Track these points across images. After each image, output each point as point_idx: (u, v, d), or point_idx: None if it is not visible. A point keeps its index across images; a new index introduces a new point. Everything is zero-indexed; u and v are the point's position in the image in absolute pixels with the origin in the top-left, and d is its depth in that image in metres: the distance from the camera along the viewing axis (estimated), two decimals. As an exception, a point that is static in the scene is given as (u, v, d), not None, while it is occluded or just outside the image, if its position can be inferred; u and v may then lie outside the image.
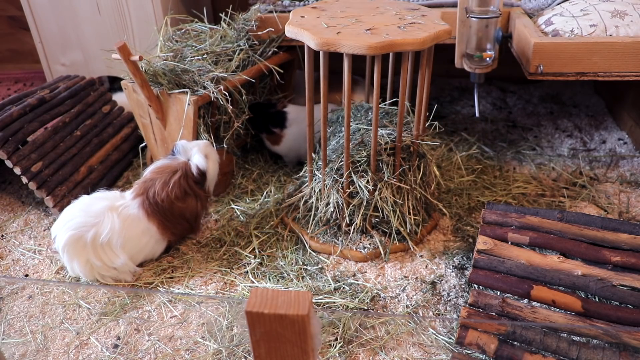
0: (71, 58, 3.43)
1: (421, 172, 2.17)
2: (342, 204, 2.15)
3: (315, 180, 2.22)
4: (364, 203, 2.13)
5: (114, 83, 3.39)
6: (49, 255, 2.30)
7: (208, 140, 2.44)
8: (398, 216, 2.14)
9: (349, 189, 2.12)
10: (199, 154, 2.20)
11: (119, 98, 3.04)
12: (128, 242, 2.08)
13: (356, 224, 2.17)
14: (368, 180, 2.08)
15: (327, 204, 2.18)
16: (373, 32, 1.87)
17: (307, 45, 1.93)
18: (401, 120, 1.98)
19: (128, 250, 2.09)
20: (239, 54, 2.58)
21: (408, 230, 2.17)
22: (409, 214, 2.17)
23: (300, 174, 2.42)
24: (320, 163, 2.17)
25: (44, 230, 2.46)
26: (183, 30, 2.74)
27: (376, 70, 1.87)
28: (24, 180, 2.39)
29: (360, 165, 2.09)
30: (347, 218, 2.17)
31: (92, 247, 2.03)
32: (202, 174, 2.19)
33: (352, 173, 2.09)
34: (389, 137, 2.06)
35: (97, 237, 2.03)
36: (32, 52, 3.82)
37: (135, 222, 2.10)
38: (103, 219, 2.04)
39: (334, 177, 2.14)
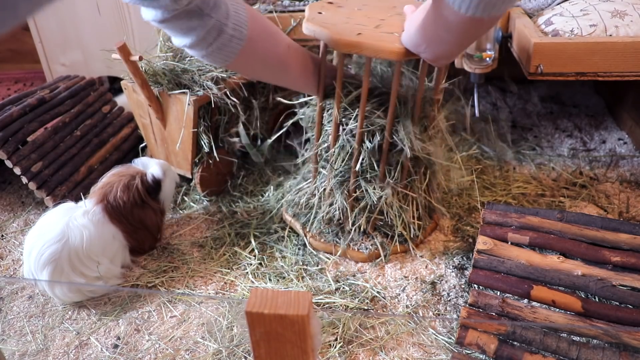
0: (71, 58, 3.43)
1: (427, 179, 2.16)
2: (347, 208, 2.13)
3: (319, 178, 2.21)
4: (369, 207, 2.12)
5: (114, 83, 3.40)
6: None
7: (208, 141, 2.45)
8: (403, 221, 2.14)
9: (355, 193, 2.11)
10: (157, 166, 2.22)
11: (118, 100, 3.05)
12: (106, 246, 2.06)
13: (359, 225, 2.16)
14: (375, 186, 2.05)
15: (331, 204, 2.17)
16: (396, 36, 1.79)
17: (324, 43, 1.87)
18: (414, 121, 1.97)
19: (107, 254, 2.08)
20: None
21: (411, 235, 2.17)
22: (414, 219, 2.17)
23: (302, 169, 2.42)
24: (323, 163, 2.16)
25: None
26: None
27: (395, 77, 1.83)
28: (24, 180, 2.39)
29: (368, 171, 2.06)
30: (350, 221, 2.16)
31: (71, 267, 1.97)
32: (157, 184, 2.21)
33: (360, 179, 2.08)
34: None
35: (71, 255, 1.96)
36: (32, 52, 3.81)
37: (105, 226, 2.07)
38: (69, 234, 1.96)
39: (339, 180, 2.12)
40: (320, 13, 1.98)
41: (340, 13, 2.00)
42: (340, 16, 1.97)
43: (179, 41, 1.59)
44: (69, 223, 1.98)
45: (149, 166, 2.24)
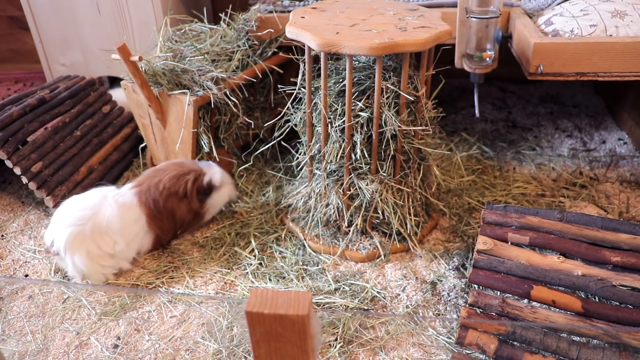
0: (71, 58, 3.43)
1: (421, 174, 2.17)
2: (342, 206, 2.14)
3: (314, 180, 2.22)
4: (364, 204, 2.12)
5: (114, 84, 3.40)
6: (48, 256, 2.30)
7: (208, 141, 2.45)
8: (399, 217, 2.14)
9: (350, 191, 2.12)
10: (218, 173, 2.30)
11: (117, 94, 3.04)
12: (125, 229, 2.13)
13: (356, 225, 2.16)
14: (368, 182, 2.07)
15: (327, 205, 2.18)
16: (374, 33, 1.87)
17: (308, 46, 1.93)
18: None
19: (124, 236, 2.13)
20: (237, 54, 2.58)
21: (408, 232, 2.17)
22: (410, 215, 2.17)
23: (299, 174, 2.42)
24: (319, 164, 2.17)
25: (44, 230, 2.46)
26: (183, 31, 2.74)
27: (377, 71, 1.86)
28: (24, 180, 2.39)
29: (361, 168, 2.08)
30: (346, 220, 2.16)
31: (92, 237, 2.06)
32: (210, 188, 2.27)
33: (353, 175, 2.09)
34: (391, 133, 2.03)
35: (95, 227, 2.07)
36: (32, 52, 3.82)
37: (130, 209, 2.16)
38: (99, 208, 2.10)
39: (334, 179, 2.14)
40: (303, 17, 2.05)
41: (323, 16, 2.06)
42: (323, 19, 2.03)
43: None
44: (102, 200, 2.13)
45: (212, 171, 2.29)
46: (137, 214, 2.17)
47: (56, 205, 2.43)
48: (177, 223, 2.27)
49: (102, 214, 2.09)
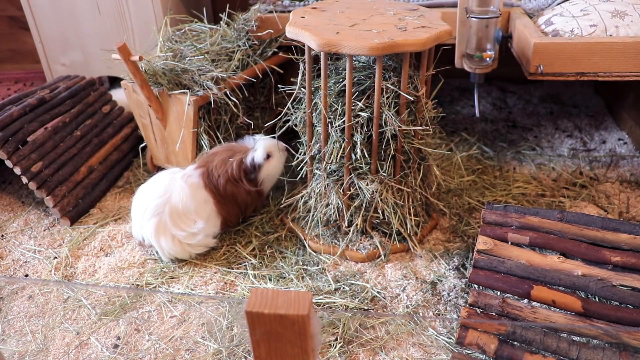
0: (71, 58, 3.43)
1: (421, 174, 2.17)
2: (342, 206, 2.14)
3: (314, 180, 2.22)
4: (364, 204, 2.12)
5: (114, 84, 3.40)
6: (47, 255, 2.30)
7: (208, 140, 2.45)
8: (399, 217, 2.14)
9: (350, 191, 2.12)
10: (261, 149, 2.28)
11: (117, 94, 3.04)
12: (199, 207, 2.18)
13: (356, 225, 2.16)
14: (368, 182, 2.07)
15: (327, 205, 2.18)
16: (374, 33, 1.87)
17: (308, 46, 1.93)
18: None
19: (200, 214, 2.18)
20: (237, 54, 2.58)
21: (408, 232, 2.17)
22: (410, 215, 2.17)
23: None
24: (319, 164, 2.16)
25: (44, 230, 2.46)
26: (182, 31, 2.74)
27: (377, 71, 1.86)
28: (24, 180, 2.39)
29: (361, 168, 2.08)
30: (347, 220, 2.16)
31: (172, 222, 2.13)
32: (254, 167, 2.27)
33: (353, 175, 2.09)
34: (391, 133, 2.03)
35: (173, 211, 2.13)
36: (32, 52, 3.82)
37: (199, 190, 2.20)
38: (171, 191, 2.15)
39: (334, 179, 2.14)
40: (303, 17, 2.05)
41: (323, 16, 2.06)
42: (323, 19, 2.04)
43: None
44: (171, 183, 2.17)
45: (256, 147, 2.29)
46: (205, 195, 2.21)
47: (56, 205, 2.44)
48: (240, 206, 2.32)
49: (176, 197, 2.14)
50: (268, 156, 2.29)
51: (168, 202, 2.12)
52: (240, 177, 2.24)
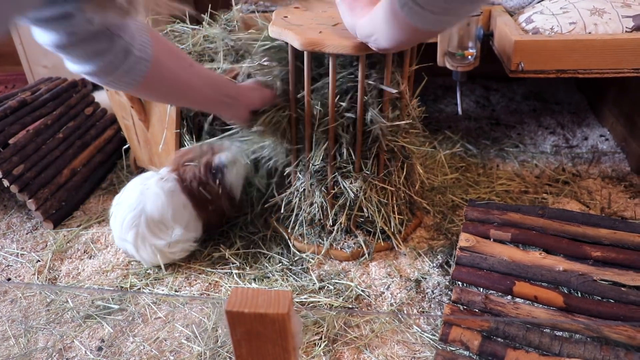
0: (53, 60, 3.40)
1: (405, 172, 2.18)
2: (326, 205, 2.15)
3: (298, 180, 2.22)
4: (349, 203, 2.13)
5: (97, 85, 3.37)
6: (30, 258, 2.28)
7: (191, 141, 2.44)
8: (383, 216, 2.15)
9: (334, 189, 2.12)
10: (225, 153, 2.19)
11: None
12: (176, 213, 2.11)
13: (340, 223, 2.17)
14: (352, 181, 2.07)
15: (311, 204, 2.18)
16: None
17: (291, 45, 1.92)
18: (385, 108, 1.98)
19: (179, 221, 2.12)
20: (220, 54, 2.58)
21: (392, 230, 2.18)
22: (394, 213, 2.18)
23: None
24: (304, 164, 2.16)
25: (27, 234, 2.44)
26: (165, 32, 2.73)
27: (360, 70, 1.87)
28: (6, 183, 2.37)
29: (344, 166, 2.08)
30: (331, 219, 2.17)
31: (150, 232, 2.07)
32: (218, 170, 2.17)
33: (337, 174, 2.09)
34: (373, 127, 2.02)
35: (149, 221, 2.07)
36: (13, 54, 3.77)
37: (176, 195, 2.13)
38: (145, 201, 2.07)
39: (318, 178, 2.14)
40: (285, 17, 2.05)
41: (306, 16, 2.06)
42: (306, 18, 2.03)
43: (81, 68, 1.40)
44: (143, 191, 2.09)
45: (223, 150, 2.20)
46: (183, 199, 2.14)
47: (38, 208, 2.42)
48: (217, 210, 2.24)
49: (150, 206, 2.07)
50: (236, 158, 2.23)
51: (142, 212, 2.06)
52: (206, 179, 2.16)
